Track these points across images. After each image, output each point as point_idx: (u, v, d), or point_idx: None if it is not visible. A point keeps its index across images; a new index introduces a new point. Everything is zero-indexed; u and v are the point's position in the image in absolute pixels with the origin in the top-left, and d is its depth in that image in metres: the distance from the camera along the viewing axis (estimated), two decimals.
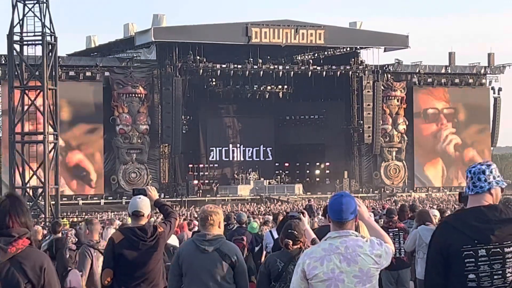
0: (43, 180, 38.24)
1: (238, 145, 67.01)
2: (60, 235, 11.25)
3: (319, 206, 39.11)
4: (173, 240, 10.39)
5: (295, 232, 6.79)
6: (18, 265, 4.06)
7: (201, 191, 60.48)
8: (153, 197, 7.39)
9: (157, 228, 7.17)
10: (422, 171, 65.39)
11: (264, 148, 67.64)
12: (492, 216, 4.43)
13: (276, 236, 10.34)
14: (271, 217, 17.42)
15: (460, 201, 4.83)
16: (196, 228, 15.31)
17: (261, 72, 60.78)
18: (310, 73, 61.78)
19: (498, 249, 4.37)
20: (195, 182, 60.85)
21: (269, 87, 63.84)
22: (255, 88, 63.55)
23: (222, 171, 66.16)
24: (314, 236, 6.64)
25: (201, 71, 59.18)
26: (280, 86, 63.95)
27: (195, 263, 6.52)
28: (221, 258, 6.51)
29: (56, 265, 7.77)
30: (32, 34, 38.95)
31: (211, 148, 66.08)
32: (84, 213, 46.32)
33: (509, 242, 4.40)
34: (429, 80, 65.11)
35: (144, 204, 7.22)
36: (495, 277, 4.38)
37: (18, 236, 4.08)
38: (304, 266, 4.60)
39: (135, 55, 59.25)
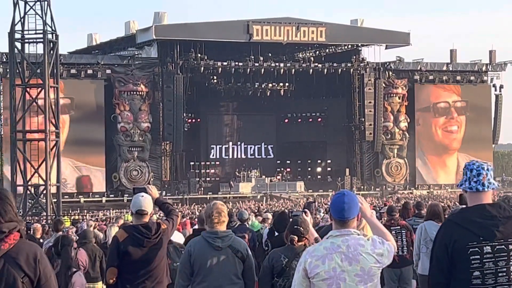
0: (44, 178, 38.20)
1: (240, 143, 67.00)
2: (61, 233, 11.23)
3: (323, 203, 39.07)
4: (179, 238, 10.33)
5: (301, 228, 6.76)
6: (12, 261, 4.00)
7: (202, 188, 60.49)
8: (153, 195, 7.40)
9: (160, 225, 7.19)
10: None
11: (266, 146, 67.62)
12: (497, 213, 4.45)
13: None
14: (269, 215, 17.42)
15: (460, 203, 4.83)
16: (196, 226, 15.22)
17: (262, 70, 60.74)
18: (311, 70, 61.71)
19: (503, 246, 4.40)
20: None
21: (270, 85, 63.69)
22: (256, 86, 63.43)
23: (223, 168, 66.15)
24: (316, 235, 6.62)
25: (202, 68, 59.15)
26: (281, 84, 63.82)
27: (209, 261, 6.53)
28: (234, 254, 6.57)
29: (60, 262, 7.76)
30: (34, 32, 38.82)
31: (212, 146, 66.08)
32: (85, 211, 46.31)
33: None
34: (431, 77, 65.03)
35: (147, 203, 7.24)
36: (500, 274, 4.40)
37: (9, 231, 4.03)
38: (306, 265, 4.60)
39: (136, 53, 59.15)
